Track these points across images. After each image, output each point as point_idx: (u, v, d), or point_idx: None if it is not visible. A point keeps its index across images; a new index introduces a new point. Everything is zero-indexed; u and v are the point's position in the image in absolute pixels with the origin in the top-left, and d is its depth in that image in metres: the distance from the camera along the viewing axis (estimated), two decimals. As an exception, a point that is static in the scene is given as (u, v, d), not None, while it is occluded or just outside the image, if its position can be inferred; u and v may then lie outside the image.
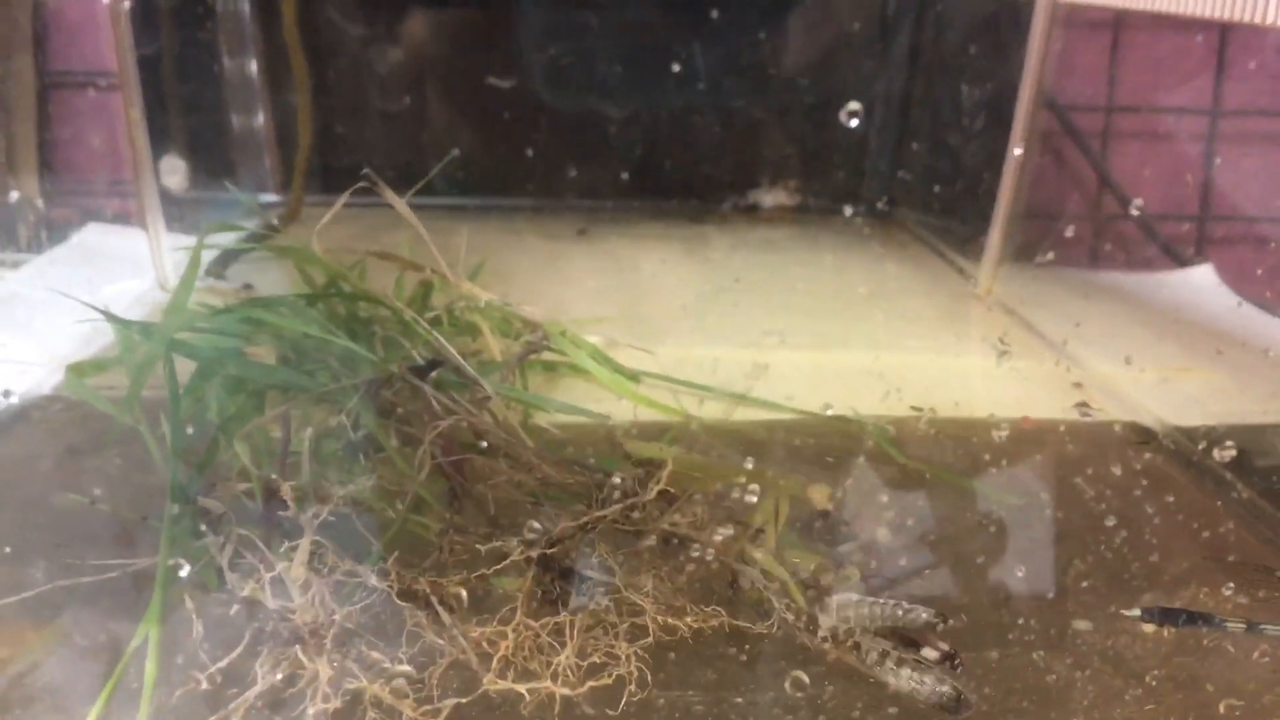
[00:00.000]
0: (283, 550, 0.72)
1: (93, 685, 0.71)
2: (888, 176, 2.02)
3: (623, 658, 0.72)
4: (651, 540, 0.79)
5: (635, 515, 0.79)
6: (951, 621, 0.77)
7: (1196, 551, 0.92)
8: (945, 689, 0.72)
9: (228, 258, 1.50)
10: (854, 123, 1.82)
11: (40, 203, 1.61)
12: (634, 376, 1.20)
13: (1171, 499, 1.01)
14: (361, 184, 1.14)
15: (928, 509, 0.97)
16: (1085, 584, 0.86)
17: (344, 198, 1.11)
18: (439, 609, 0.72)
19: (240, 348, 1.07)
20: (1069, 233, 1.69)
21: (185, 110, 1.79)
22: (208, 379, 1.02)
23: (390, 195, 1.11)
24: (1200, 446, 1.10)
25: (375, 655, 0.70)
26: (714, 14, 1.85)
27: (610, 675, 0.69)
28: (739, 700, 0.72)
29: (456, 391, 1.01)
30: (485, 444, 0.93)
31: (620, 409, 1.14)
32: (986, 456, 1.08)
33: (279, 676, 0.67)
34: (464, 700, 0.67)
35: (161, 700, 0.68)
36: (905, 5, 1.93)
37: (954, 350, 1.38)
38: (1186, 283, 1.73)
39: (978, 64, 1.80)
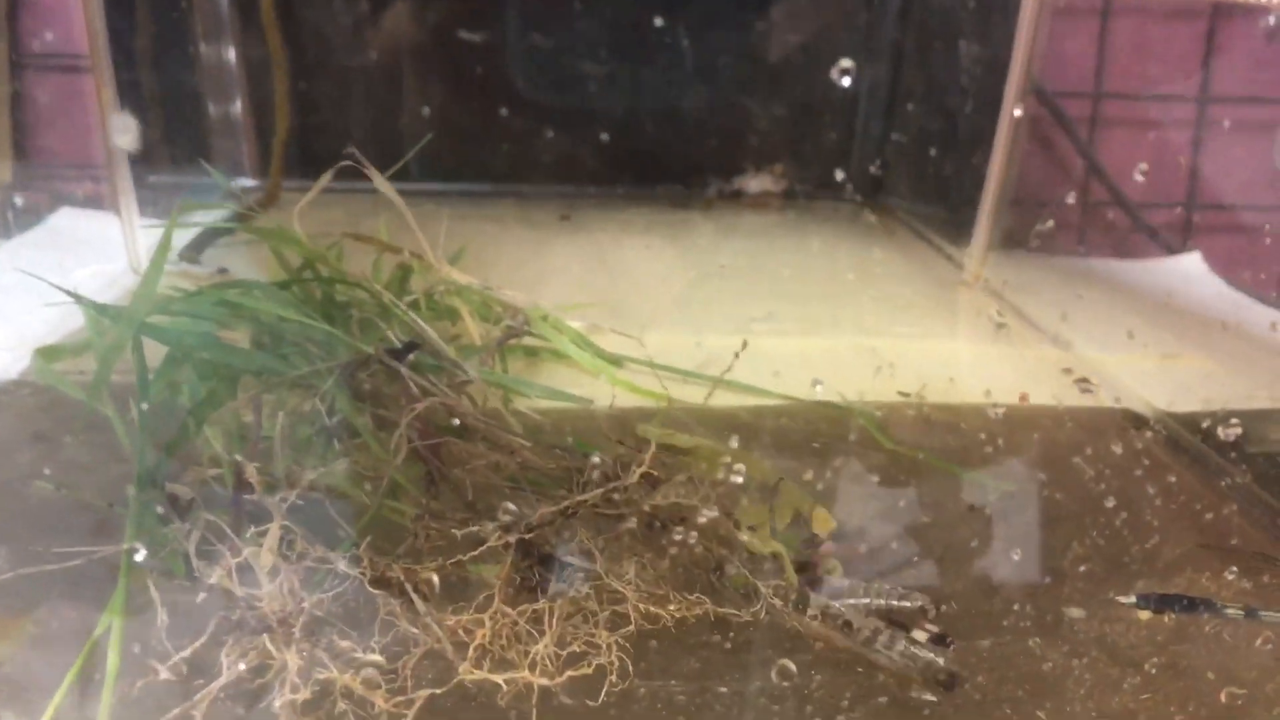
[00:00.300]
0: (248, 536, 0.69)
1: (55, 676, 0.68)
2: (875, 162, 2.00)
3: (603, 646, 0.70)
4: (632, 523, 0.76)
5: (616, 498, 0.77)
6: (944, 607, 0.75)
7: (1192, 537, 0.90)
8: (939, 663, 0.70)
9: (202, 242, 1.47)
10: (845, 81, 1.79)
11: (11, 186, 1.58)
12: (616, 361, 1.17)
13: (1165, 484, 0.99)
14: (345, 164, 1.11)
15: (915, 495, 0.95)
16: (1080, 570, 0.84)
17: (325, 178, 1.08)
18: (413, 596, 0.69)
19: (213, 331, 1.04)
20: (1050, 222, 1.67)
21: (161, 93, 1.75)
22: (179, 363, 0.99)
23: (375, 175, 1.08)
24: (1204, 425, 1.08)
25: (346, 644, 0.67)
26: (700, -3, 1.84)
27: (589, 665, 0.67)
28: (723, 690, 0.69)
29: (434, 375, 0.98)
30: (461, 424, 0.90)
31: (602, 394, 1.12)
32: (975, 441, 1.06)
33: (246, 667, 0.64)
34: (438, 691, 0.65)
35: (124, 691, 0.66)
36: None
37: (942, 336, 1.36)
38: (1175, 270, 1.71)
39: (965, 50, 1.78)
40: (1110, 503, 0.94)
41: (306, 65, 1.84)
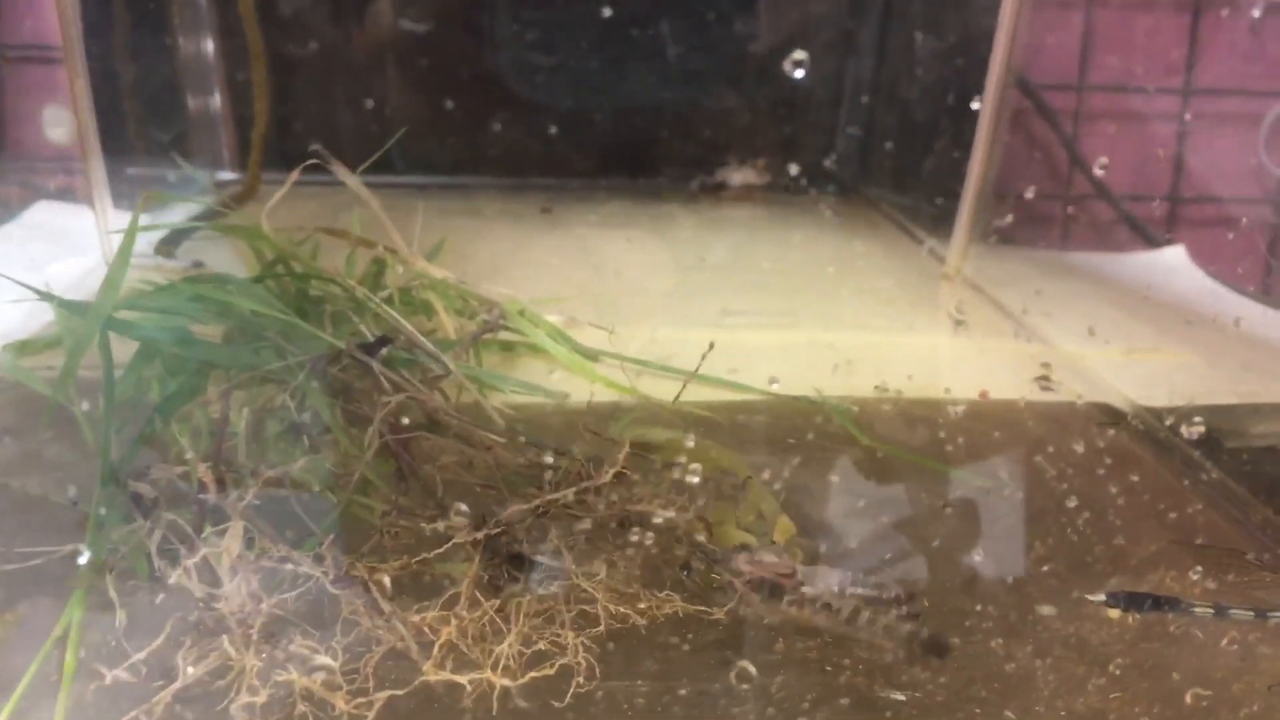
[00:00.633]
0: (206, 535, 0.69)
1: (9, 678, 0.67)
2: (858, 155, 2.00)
3: (569, 646, 0.69)
4: (587, 524, 0.76)
5: (588, 499, 0.76)
6: (915, 597, 0.75)
7: (1164, 534, 0.89)
8: (922, 634, 0.70)
9: (178, 236, 1.46)
10: (799, 74, 1.78)
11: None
12: (593, 356, 1.17)
13: (1138, 480, 0.99)
14: (313, 161, 1.11)
15: (887, 491, 0.94)
16: (1048, 568, 0.83)
17: (294, 175, 1.07)
18: (377, 595, 0.69)
19: (185, 326, 1.03)
20: (1009, 218, 1.66)
21: (138, 86, 1.74)
22: (149, 359, 0.98)
23: (342, 171, 1.07)
24: (1168, 423, 1.08)
25: (309, 645, 0.66)
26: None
27: (552, 665, 0.66)
28: (683, 692, 0.69)
29: (408, 370, 0.97)
30: (433, 420, 0.89)
31: (579, 389, 1.11)
32: (950, 437, 1.06)
33: (203, 669, 0.64)
34: (400, 692, 0.64)
35: (79, 694, 0.65)
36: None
37: (920, 330, 1.36)
38: (1158, 263, 1.71)
39: (948, 42, 1.77)
40: (1081, 499, 0.93)
41: (286, 58, 1.82)
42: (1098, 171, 1.79)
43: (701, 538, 0.78)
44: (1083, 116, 1.83)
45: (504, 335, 1.17)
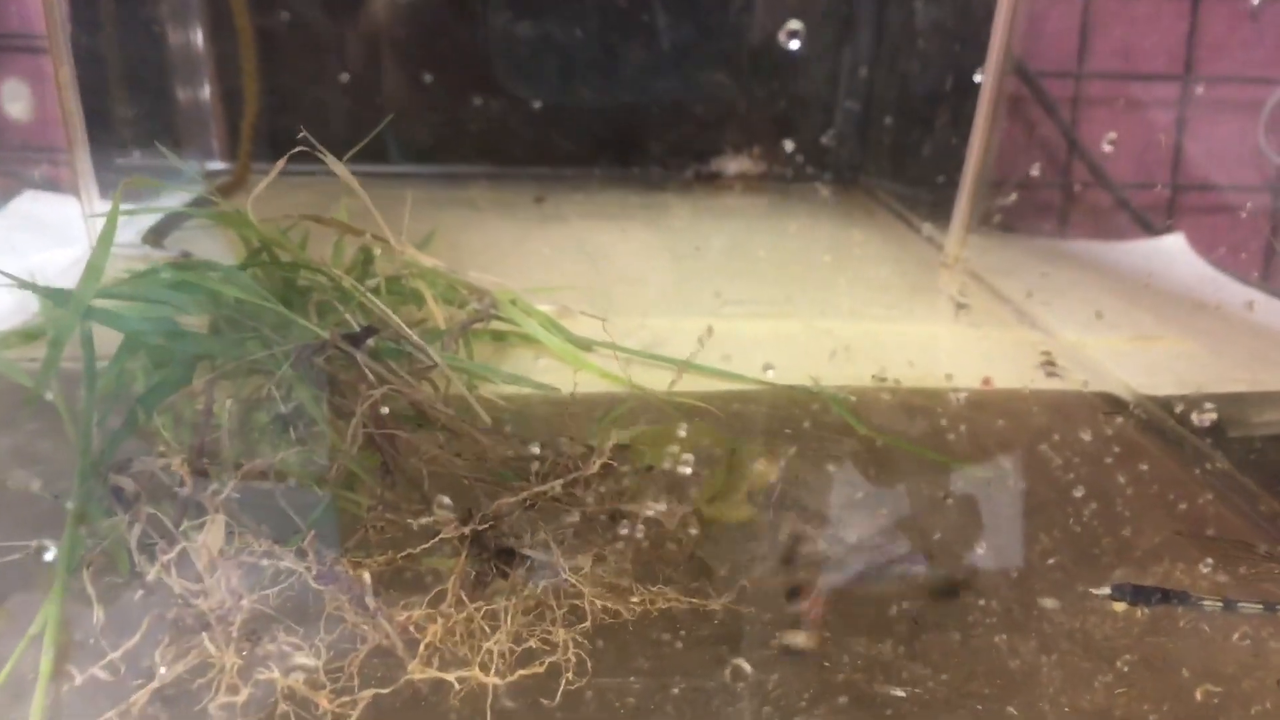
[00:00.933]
0: (186, 530, 0.67)
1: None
2: (855, 142, 1.97)
3: (560, 643, 0.67)
4: (576, 517, 0.74)
5: (577, 492, 0.74)
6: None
7: (1170, 525, 0.88)
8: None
9: (166, 225, 1.43)
10: (794, 44, 1.76)
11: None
12: (585, 345, 1.15)
13: (1143, 470, 0.97)
14: (300, 149, 1.08)
15: (886, 482, 0.92)
16: (1053, 560, 0.82)
17: (280, 164, 1.05)
18: (361, 592, 0.67)
19: (170, 316, 1.01)
20: (1013, 196, 1.65)
21: (126, 74, 1.71)
22: (134, 349, 0.96)
23: (330, 160, 1.05)
24: (1178, 410, 1.06)
25: (291, 642, 0.64)
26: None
27: (542, 664, 0.64)
28: (677, 690, 0.67)
29: (396, 360, 0.95)
30: (420, 412, 0.87)
31: (571, 379, 1.09)
32: (950, 427, 1.04)
33: (182, 668, 0.62)
34: (385, 691, 0.62)
35: (55, 694, 0.63)
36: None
37: (919, 318, 1.34)
38: (1158, 251, 1.69)
39: (946, 28, 1.75)
40: (1084, 490, 0.91)
41: (277, 45, 1.80)
42: (1105, 148, 1.77)
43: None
44: (1081, 103, 1.81)
45: (496, 325, 1.15)
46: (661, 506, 0.75)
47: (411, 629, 0.66)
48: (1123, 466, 0.97)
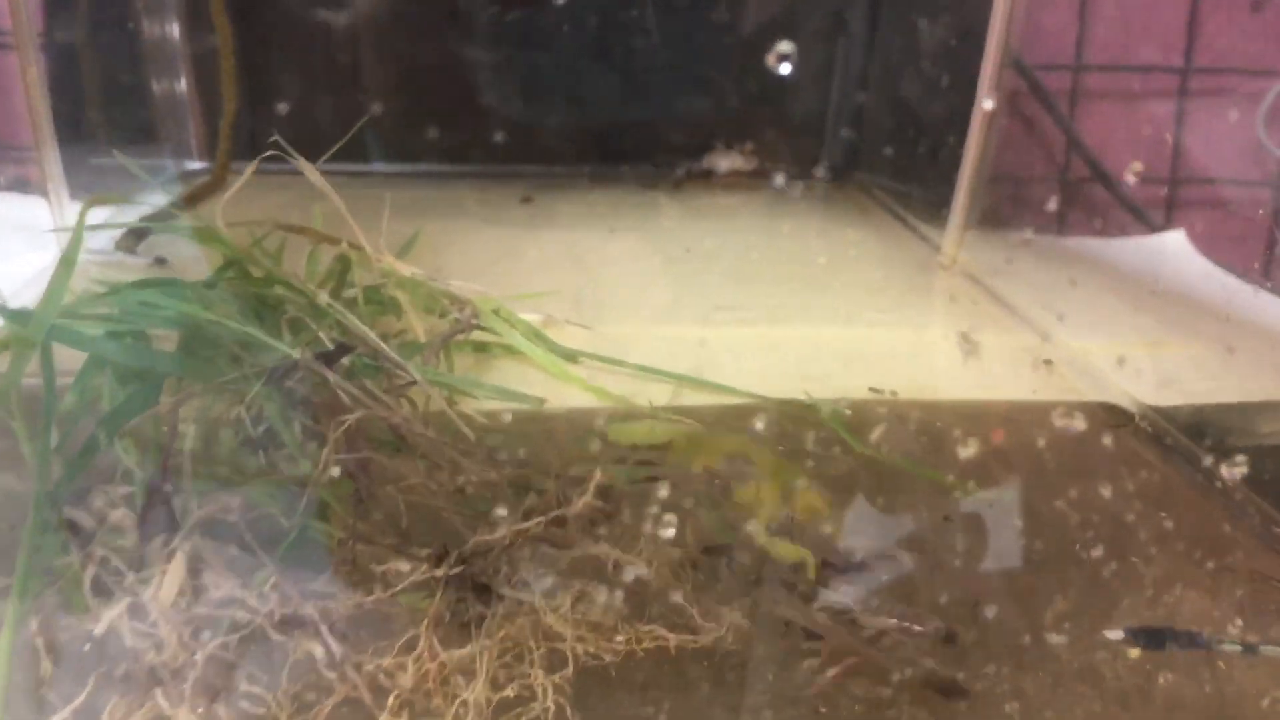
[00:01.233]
0: (132, 579, 0.62)
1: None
2: (850, 140, 1.93)
3: (541, 689, 0.64)
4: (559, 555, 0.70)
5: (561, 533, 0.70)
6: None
7: (1183, 553, 0.84)
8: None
9: (141, 231, 1.39)
10: (785, 68, 1.71)
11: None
12: (571, 357, 1.11)
13: (1153, 489, 0.93)
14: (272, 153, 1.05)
15: (880, 504, 0.88)
16: (1058, 590, 0.78)
17: (250, 169, 1.01)
18: (328, 638, 0.63)
19: (141, 332, 0.97)
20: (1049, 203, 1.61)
21: (101, 72, 1.67)
22: (100, 368, 0.92)
23: (302, 163, 1.01)
24: (1194, 442, 1.02)
25: (252, 693, 0.60)
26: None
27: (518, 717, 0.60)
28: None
29: (373, 378, 0.91)
30: (398, 435, 0.83)
31: (557, 392, 1.05)
32: (948, 442, 1.00)
33: (137, 723, 0.58)
34: (352, 749, 0.58)
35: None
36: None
37: (916, 325, 1.30)
38: (1159, 249, 1.66)
39: (941, 21, 1.71)
40: (1089, 512, 0.87)
41: (256, 43, 1.75)
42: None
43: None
44: (1079, 97, 1.77)
45: (479, 336, 1.11)
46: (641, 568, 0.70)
47: (381, 677, 0.62)
48: (1128, 484, 0.93)
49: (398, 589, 0.66)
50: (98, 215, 1.31)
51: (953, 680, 0.65)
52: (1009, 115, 1.73)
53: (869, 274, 1.46)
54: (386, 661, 0.62)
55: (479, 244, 1.49)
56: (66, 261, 0.93)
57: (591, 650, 0.67)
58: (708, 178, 1.88)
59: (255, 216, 1.12)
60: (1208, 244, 1.64)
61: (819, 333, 1.24)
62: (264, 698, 0.60)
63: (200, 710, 0.58)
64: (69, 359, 0.91)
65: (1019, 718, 0.65)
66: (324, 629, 0.63)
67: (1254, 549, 0.86)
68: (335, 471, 0.78)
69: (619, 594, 0.69)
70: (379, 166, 1.80)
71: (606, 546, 0.69)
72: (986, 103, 1.45)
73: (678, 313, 1.29)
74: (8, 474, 0.88)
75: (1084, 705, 0.66)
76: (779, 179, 1.89)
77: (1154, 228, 1.72)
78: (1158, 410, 1.08)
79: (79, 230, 0.96)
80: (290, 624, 0.64)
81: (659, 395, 1.05)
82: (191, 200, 1.56)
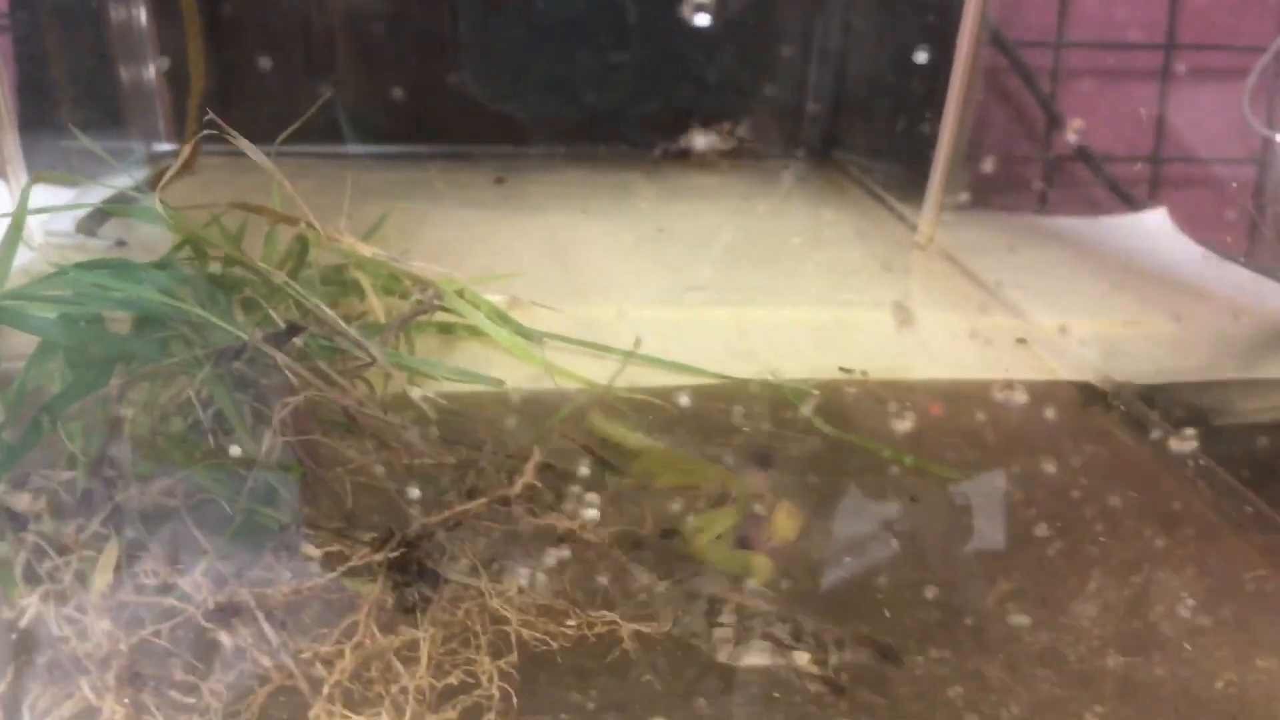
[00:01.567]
0: (65, 563, 0.60)
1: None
2: (829, 119, 1.91)
3: (486, 675, 0.62)
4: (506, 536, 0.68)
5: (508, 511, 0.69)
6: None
7: (1149, 530, 0.82)
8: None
9: (102, 213, 1.37)
10: (701, 19, 1.69)
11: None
12: (535, 338, 1.09)
13: (1121, 467, 0.92)
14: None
15: (846, 484, 0.86)
16: (1022, 568, 0.76)
17: (187, 148, 0.99)
18: (265, 625, 0.61)
19: (96, 314, 0.95)
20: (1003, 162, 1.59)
21: (66, 53, 1.64)
22: (53, 352, 0.90)
23: (241, 141, 0.99)
24: (1165, 419, 1.00)
25: (185, 683, 0.58)
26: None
27: (455, 707, 0.59)
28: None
29: (329, 360, 0.89)
30: (350, 418, 0.81)
31: (522, 374, 1.03)
32: (920, 422, 0.98)
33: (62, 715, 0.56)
34: (282, 739, 0.57)
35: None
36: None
37: (888, 305, 1.28)
38: (1139, 227, 1.64)
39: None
40: (1059, 490, 0.86)
41: (225, 23, 1.73)
42: (1070, 137, 1.72)
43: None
44: (1061, 75, 1.76)
45: (443, 317, 1.09)
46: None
47: (318, 665, 0.60)
48: (1099, 464, 0.92)
49: (337, 573, 0.64)
50: (61, 198, 1.29)
51: (889, 646, 0.64)
52: (989, 93, 1.72)
53: (844, 253, 1.44)
54: (325, 648, 0.61)
55: (449, 225, 1.47)
56: (9, 242, 0.91)
57: (539, 635, 0.65)
58: (685, 158, 1.86)
59: (223, 199, 1.10)
60: (1191, 222, 1.63)
61: (790, 313, 1.22)
62: (196, 686, 0.58)
63: (126, 700, 0.56)
64: (26, 343, 0.89)
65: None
66: (261, 616, 0.61)
67: (1219, 526, 0.84)
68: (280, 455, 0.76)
69: (566, 576, 0.68)
70: (351, 148, 1.78)
71: (553, 519, 0.67)
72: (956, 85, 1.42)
73: (648, 294, 1.27)
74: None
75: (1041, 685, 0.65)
76: (757, 159, 1.87)
77: (1136, 206, 1.71)
78: (1130, 388, 1.06)
79: (22, 206, 0.94)
80: (226, 611, 0.62)
81: (623, 376, 1.03)
82: (157, 182, 1.53)
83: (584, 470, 0.81)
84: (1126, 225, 1.67)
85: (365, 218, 1.21)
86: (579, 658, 0.65)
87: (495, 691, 0.61)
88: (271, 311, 0.89)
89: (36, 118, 1.49)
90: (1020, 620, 0.71)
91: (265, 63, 1.76)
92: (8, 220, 1.33)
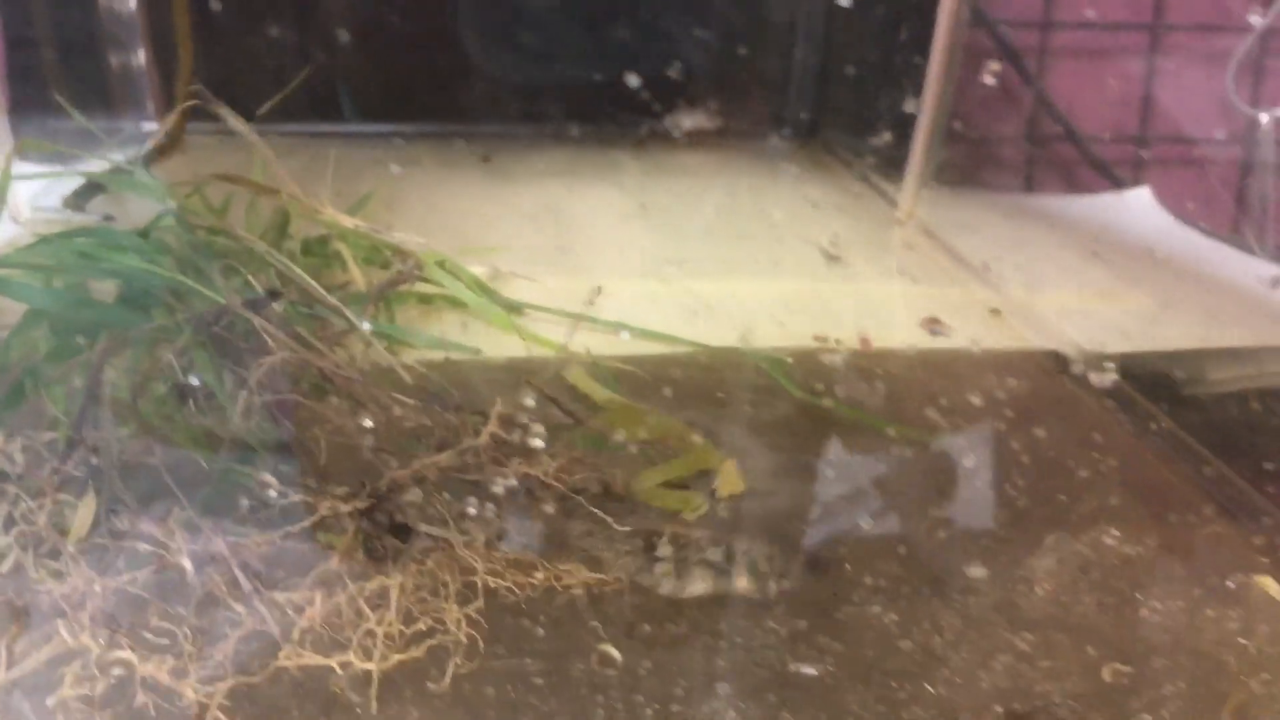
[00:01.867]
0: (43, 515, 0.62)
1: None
2: (814, 97, 1.92)
3: (453, 622, 0.64)
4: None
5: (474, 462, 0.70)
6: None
7: (1107, 489, 0.84)
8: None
9: (89, 189, 1.38)
10: None
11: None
12: (514, 308, 1.11)
13: (1083, 430, 0.93)
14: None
15: (816, 446, 0.88)
16: (978, 525, 0.78)
17: (170, 120, 1.01)
18: (238, 572, 0.63)
19: (80, 283, 0.97)
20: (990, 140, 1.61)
21: (55, 31, 1.65)
22: (39, 319, 0.92)
23: (228, 115, 1.01)
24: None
25: (159, 627, 0.60)
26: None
27: (420, 647, 0.61)
28: (579, 670, 0.63)
29: (308, 326, 0.91)
30: (328, 380, 0.83)
31: (501, 344, 1.05)
32: (894, 389, 1.00)
33: (41, 657, 0.58)
34: (254, 678, 0.58)
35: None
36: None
37: (863, 277, 1.30)
38: (1123, 206, 1.66)
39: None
40: (1021, 452, 0.88)
41: (212, 1, 1.74)
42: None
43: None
44: (1047, 55, 1.77)
45: (424, 288, 1.11)
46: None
47: (290, 612, 0.62)
48: (1061, 427, 0.94)
49: (307, 522, 0.66)
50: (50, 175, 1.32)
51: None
52: (975, 74, 1.73)
53: (824, 228, 1.46)
54: (296, 595, 0.62)
55: (434, 201, 1.48)
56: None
57: (507, 585, 0.67)
58: (671, 137, 1.87)
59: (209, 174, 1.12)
60: (1175, 200, 1.64)
61: (767, 285, 1.24)
62: (171, 630, 0.60)
63: (102, 641, 0.58)
64: (12, 314, 0.91)
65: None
66: (234, 564, 0.63)
67: (1179, 483, 0.86)
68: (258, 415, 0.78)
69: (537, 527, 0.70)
70: (338, 127, 1.79)
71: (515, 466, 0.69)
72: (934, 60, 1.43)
73: (628, 267, 1.28)
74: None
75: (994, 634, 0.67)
76: (743, 138, 1.89)
77: (1120, 185, 1.72)
78: (1099, 356, 1.08)
79: (5, 174, 0.95)
80: (201, 559, 0.64)
81: (598, 345, 1.05)
82: (144, 160, 1.54)
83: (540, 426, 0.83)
84: (1110, 203, 1.68)
85: (352, 194, 1.22)
86: (538, 602, 0.68)
87: (463, 637, 0.63)
88: (250, 278, 0.91)
89: (25, 97, 1.51)
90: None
91: (254, 43, 1.78)
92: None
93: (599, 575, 0.69)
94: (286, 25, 1.79)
